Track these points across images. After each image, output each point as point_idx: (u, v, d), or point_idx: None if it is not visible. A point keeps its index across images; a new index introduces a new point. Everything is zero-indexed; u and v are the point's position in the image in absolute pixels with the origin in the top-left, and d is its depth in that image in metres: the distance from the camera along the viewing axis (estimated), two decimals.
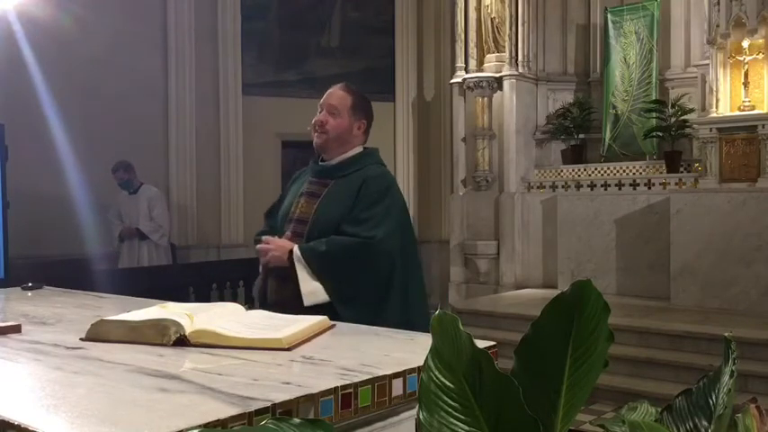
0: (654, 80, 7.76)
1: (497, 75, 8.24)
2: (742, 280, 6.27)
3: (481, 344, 1.24)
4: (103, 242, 7.28)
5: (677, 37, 7.82)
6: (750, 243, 6.24)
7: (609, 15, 8.11)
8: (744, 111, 6.57)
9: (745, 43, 6.55)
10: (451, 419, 1.05)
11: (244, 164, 9.14)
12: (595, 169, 8.00)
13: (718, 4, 6.62)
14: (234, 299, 6.18)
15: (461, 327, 1.07)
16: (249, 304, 2.65)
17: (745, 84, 6.56)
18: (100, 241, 7.15)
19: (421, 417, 1.05)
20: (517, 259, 8.19)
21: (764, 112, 6.49)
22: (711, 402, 1.20)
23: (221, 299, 6.23)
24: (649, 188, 7.47)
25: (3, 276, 3.31)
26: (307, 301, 2.58)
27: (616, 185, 7.75)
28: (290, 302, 2.53)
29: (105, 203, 7.42)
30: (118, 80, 7.91)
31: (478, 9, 8.45)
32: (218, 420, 1.15)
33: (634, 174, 7.69)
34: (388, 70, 9.87)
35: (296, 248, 2.65)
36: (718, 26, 6.62)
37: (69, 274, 5.38)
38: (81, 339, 1.79)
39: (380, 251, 2.65)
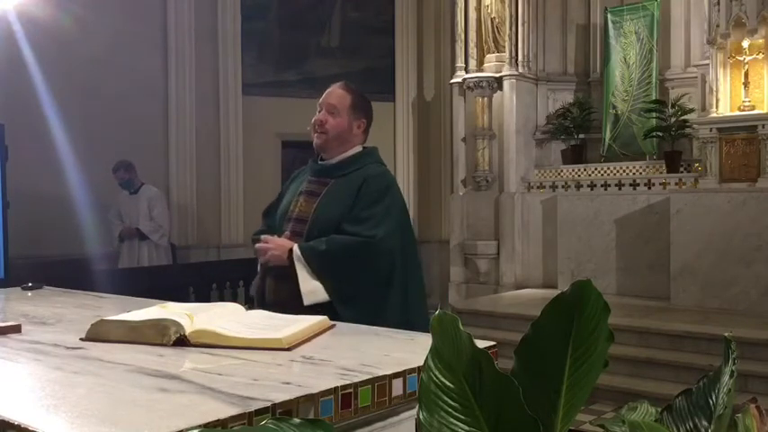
0: (654, 80, 7.76)
1: (497, 75, 8.24)
2: (742, 280, 6.27)
3: (481, 344, 1.24)
4: (103, 242, 7.28)
5: (677, 37, 7.82)
6: (750, 243, 6.24)
7: (609, 15, 8.11)
8: (744, 111, 6.57)
9: (745, 43, 6.55)
10: (451, 419, 1.05)
11: (244, 164, 9.14)
12: (595, 169, 8.00)
13: (718, 4, 6.62)
14: (234, 299, 6.19)
15: (461, 327, 1.07)
16: (249, 304, 2.65)
17: (745, 84, 6.56)
18: (100, 241, 7.15)
19: (421, 417, 1.05)
20: (517, 259, 8.19)
21: (764, 112, 6.49)
22: (711, 402, 1.20)
23: (221, 299, 6.24)
24: (649, 188, 7.47)
25: (3, 276, 3.31)
26: (306, 301, 2.57)
27: (616, 185, 7.75)
28: (288, 302, 2.52)
29: (105, 203, 7.42)
30: (118, 80, 7.91)
31: (478, 9, 8.45)
32: (218, 420, 1.15)
33: (634, 174, 7.69)
34: (388, 70, 9.87)
35: (296, 247, 2.64)
36: (718, 26, 6.62)
37: (69, 274, 5.38)
38: (81, 339, 1.79)
39: (381, 250, 2.64)
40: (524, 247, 8.21)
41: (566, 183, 8.12)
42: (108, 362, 1.58)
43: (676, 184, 7.25)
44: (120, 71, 7.94)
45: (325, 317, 2.03)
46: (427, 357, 1.08)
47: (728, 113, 6.66)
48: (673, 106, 7.37)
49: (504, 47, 8.25)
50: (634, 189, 7.58)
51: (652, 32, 7.78)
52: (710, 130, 6.67)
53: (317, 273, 2.60)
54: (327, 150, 2.85)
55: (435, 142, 9.88)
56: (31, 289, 2.92)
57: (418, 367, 1.43)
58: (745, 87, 6.57)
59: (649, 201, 7.24)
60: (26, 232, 6.23)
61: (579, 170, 8.13)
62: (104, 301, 2.68)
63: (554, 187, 8.18)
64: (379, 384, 1.44)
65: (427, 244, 9.35)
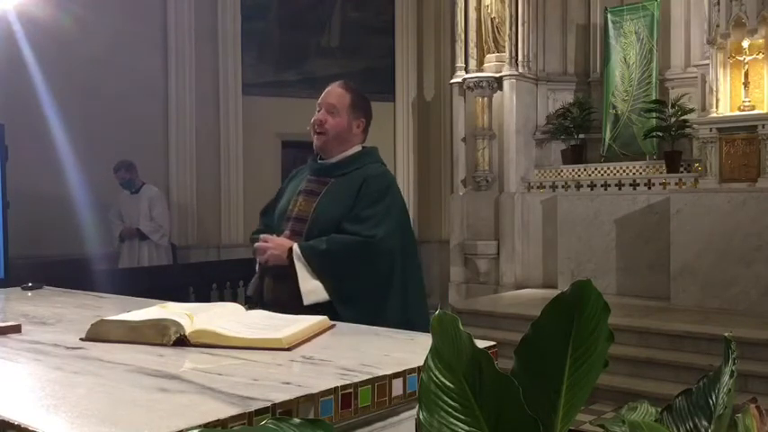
0: (654, 80, 7.76)
1: (497, 75, 8.24)
2: (742, 280, 6.27)
3: (481, 344, 1.24)
4: (103, 242, 7.28)
5: (677, 37, 7.82)
6: (750, 243, 6.24)
7: (609, 15, 8.11)
8: (744, 111, 6.57)
9: (745, 43, 6.55)
10: (451, 419, 1.05)
11: (244, 164, 9.14)
12: (595, 169, 8.00)
13: (718, 4, 6.63)
14: (234, 299, 6.19)
15: (461, 327, 1.07)
16: (249, 304, 2.64)
17: (745, 84, 6.56)
18: (100, 241, 7.15)
19: (421, 417, 1.05)
20: (517, 259, 8.19)
21: (764, 112, 6.49)
22: (711, 402, 1.20)
23: (221, 299, 6.23)
24: (649, 188, 7.47)
25: (3, 276, 3.31)
26: (306, 300, 2.56)
27: (616, 185, 7.75)
28: (287, 302, 2.51)
29: (105, 203, 7.42)
30: (118, 80, 7.91)
31: (478, 9, 8.45)
32: (218, 420, 1.15)
33: (634, 174, 7.69)
34: (388, 70, 9.88)
35: (296, 247, 2.62)
36: (718, 26, 6.63)
37: (69, 274, 5.38)
38: (81, 339, 1.79)
39: (381, 250, 2.64)
40: (524, 247, 8.21)
41: (566, 183, 8.12)
42: (108, 362, 1.58)
43: (676, 184, 7.25)
44: (120, 71, 7.94)
45: (325, 317, 2.03)
46: (427, 357, 1.08)
47: (728, 113, 6.66)
48: (673, 106, 7.37)
49: (504, 47, 8.25)
50: (634, 189, 7.58)
51: (652, 32, 7.78)
52: (710, 130, 6.67)
53: (318, 272, 2.59)
54: (327, 151, 2.84)
55: (435, 142, 9.88)
56: (31, 289, 2.92)
57: (418, 367, 1.43)
58: (745, 87, 6.57)
59: (649, 201, 7.24)
60: (26, 232, 6.23)
61: (579, 170, 8.13)
62: (104, 301, 2.68)
63: (554, 187, 8.18)
64: (379, 384, 1.44)
65: (427, 244, 9.36)
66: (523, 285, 8.14)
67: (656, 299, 6.85)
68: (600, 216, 7.50)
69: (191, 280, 6.53)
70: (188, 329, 1.74)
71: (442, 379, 1.06)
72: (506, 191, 8.27)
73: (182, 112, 8.85)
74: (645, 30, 7.82)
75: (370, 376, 1.44)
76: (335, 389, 1.35)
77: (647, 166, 7.63)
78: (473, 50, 8.50)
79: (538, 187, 8.31)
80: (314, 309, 2.43)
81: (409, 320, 2.48)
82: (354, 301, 2.57)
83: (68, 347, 1.73)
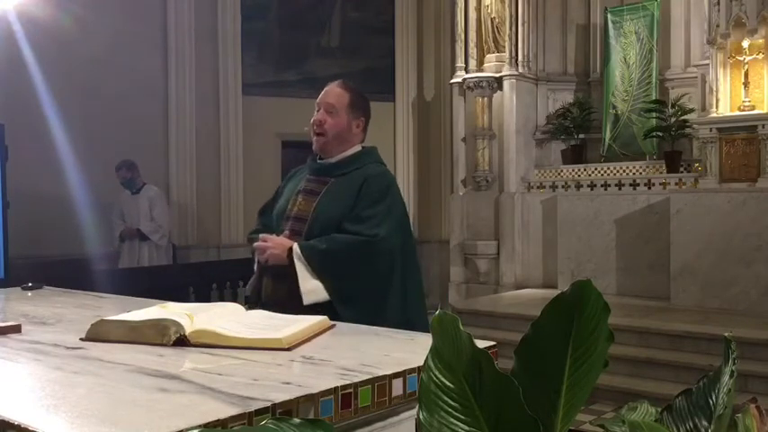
0: (654, 80, 7.76)
1: (497, 75, 8.24)
2: (742, 280, 6.27)
3: (481, 344, 1.24)
4: (104, 242, 7.28)
5: (677, 37, 7.82)
6: (750, 243, 6.24)
7: (609, 15, 8.11)
8: (744, 111, 6.57)
9: (745, 43, 6.55)
10: (451, 419, 1.05)
11: (244, 164, 9.14)
12: (595, 169, 8.00)
13: (718, 4, 6.63)
14: (234, 299, 6.19)
15: (461, 327, 1.07)
16: (249, 304, 2.64)
17: (745, 84, 6.56)
18: (100, 241, 7.15)
19: (421, 417, 1.05)
20: (517, 259, 8.19)
21: (764, 112, 6.49)
22: (711, 402, 1.20)
23: (221, 299, 6.24)
24: (649, 188, 7.47)
25: (3, 276, 3.31)
26: (306, 300, 2.55)
27: (616, 185, 7.75)
28: (286, 302, 2.50)
29: (105, 203, 7.41)
30: (118, 80, 7.91)
31: (478, 9, 8.45)
32: (218, 420, 1.15)
33: (634, 174, 7.69)
34: (388, 70, 9.88)
35: (296, 246, 2.61)
36: (718, 26, 6.62)
37: (69, 274, 5.38)
38: (81, 339, 1.79)
39: (382, 249, 2.64)
40: (524, 247, 8.21)
41: (566, 183, 8.12)
42: (108, 362, 1.58)
43: (676, 184, 7.25)
44: (120, 71, 7.94)
45: (326, 317, 2.03)
46: (427, 357, 1.08)
47: (728, 113, 6.66)
48: (673, 106, 7.37)
49: (504, 47, 8.25)
50: (634, 189, 7.58)
51: (652, 32, 7.78)
52: (710, 130, 6.67)
53: (318, 272, 2.58)
54: (327, 151, 2.83)
55: (435, 142, 9.88)
56: (31, 289, 2.92)
57: (418, 367, 1.43)
58: (745, 87, 6.57)
59: (649, 201, 7.24)
60: (26, 232, 6.23)
61: (579, 170, 8.13)
62: (104, 301, 2.68)
63: (554, 187, 8.18)
64: (379, 384, 1.44)
65: (427, 244, 9.36)
66: (523, 285, 8.14)
67: (656, 299, 6.85)
68: (600, 216, 7.50)
69: (191, 280, 6.53)
70: (188, 329, 1.74)
71: (442, 379, 1.06)
72: (506, 191, 8.27)
73: (182, 112, 8.85)
74: (645, 30, 7.82)
75: (370, 376, 1.44)
76: (335, 389, 1.35)
77: (647, 166, 7.63)
78: (473, 50, 8.50)
79: (538, 187, 8.31)
80: (314, 309, 2.42)
81: (408, 321, 2.48)
82: (354, 301, 2.56)
83: (68, 347, 1.73)
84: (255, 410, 1.20)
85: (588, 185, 7.93)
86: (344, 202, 2.70)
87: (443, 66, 9.68)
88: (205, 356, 1.63)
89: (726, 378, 1.20)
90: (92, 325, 1.82)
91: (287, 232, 2.71)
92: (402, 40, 9.91)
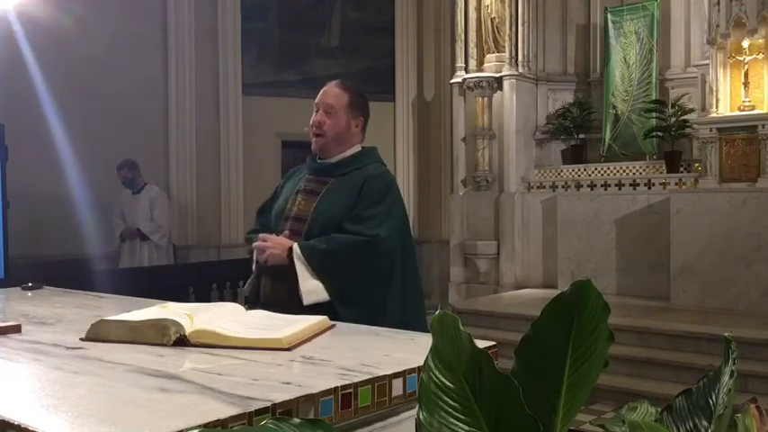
0: (654, 80, 7.76)
1: (497, 75, 8.24)
2: (742, 280, 6.27)
3: (481, 344, 1.24)
4: (104, 242, 7.28)
5: (677, 37, 7.82)
6: (750, 243, 6.24)
7: (609, 15, 8.11)
8: (744, 111, 6.57)
9: (745, 43, 6.55)
10: (451, 419, 1.05)
11: (244, 164, 9.15)
12: (595, 169, 8.00)
13: (718, 4, 6.63)
14: (234, 299, 6.19)
15: (461, 327, 1.07)
16: (249, 304, 2.64)
17: (745, 84, 6.56)
18: (100, 241, 7.15)
19: (421, 417, 1.05)
20: (517, 259, 8.19)
21: (764, 112, 6.49)
22: (711, 402, 1.20)
23: (221, 299, 6.23)
24: (649, 188, 7.47)
25: (3, 276, 3.31)
26: (306, 300, 2.55)
27: (616, 185, 7.75)
28: (285, 301, 2.50)
29: (105, 203, 7.41)
30: (118, 80, 7.91)
31: (478, 9, 8.45)
32: (218, 420, 1.15)
33: (634, 174, 7.69)
34: (388, 70, 9.88)
35: (296, 246, 2.61)
36: (718, 26, 6.62)
37: (69, 274, 5.38)
38: (81, 339, 1.79)
39: (383, 249, 2.63)
40: (524, 247, 8.21)
41: (566, 183, 8.12)
42: (108, 362, 1.58)
43: (676, 184, 7.25)
44: (120, 71, 7.94)
45: (325, 317, 2.03)
46: (427, 357, 1.08)
47: (728, 113, 6.66)
48: (673, 106, 7.37)
49: (504, 47, 8.25)
50: (634, 189, 7.58)
51: (652, 32, 7.78)
52: (710, 130, 6.67)
53: (318, 272, 2.58)
54: (327, 152, 2.82)
55: (435, 142, 9.88)
56: (31, 289, 2.92)
57: (418, 367, 1.43)
58: (745, 87, 6.57)
59: (649, 201, 7.24)
60: (26, 232, 6.23)
61: (579, 170, 8.13)
62: (104, 301, 2.67)
63: (554, 187, 8.18)
64: (379, 384, 1.44)
65: (427, 244, 9.36)
66: (523, 285, 8.14)
67: (656, 299, 6.85)
68: (600, 216, 7.50)
69: (191, 280, 6.53)
70: (188, 329, 1.74)
71: (442, 379, 1.06)
72: (506, 191, 8.27)
73: (182, 112, 8.85)
74: (645, 30, 7.82)
75: (370, 376, 1.44)
76: (335, 389, 1.35)
77: (647, 166, 7.63)
78: (473, 50, 8.50)
79: (538, 187, 8.31)
80: (314, 309, 2.42)
81: (408, 321, 2.48)
82: (354, 302, 2.56)
83: (68, 347, 1.73)
84: (255, 410, 1.20)
85: (588, 185, 7.93)
86: (345, 202, 2.70)
87: (443, 66, 9.68)
88: (205, 356, 1.63)
89: (726, 378, 1.20)
90: (92, 325, 1.82)
91: (287, 232, 2.70)
92: (402, 40, 9.91)
